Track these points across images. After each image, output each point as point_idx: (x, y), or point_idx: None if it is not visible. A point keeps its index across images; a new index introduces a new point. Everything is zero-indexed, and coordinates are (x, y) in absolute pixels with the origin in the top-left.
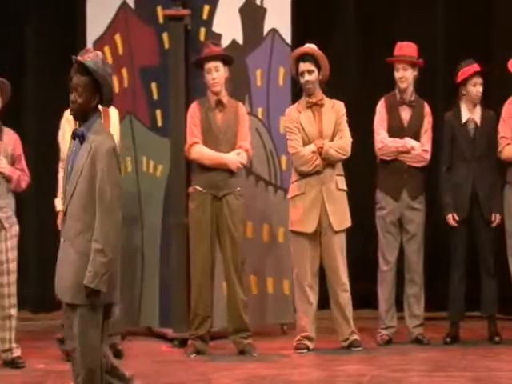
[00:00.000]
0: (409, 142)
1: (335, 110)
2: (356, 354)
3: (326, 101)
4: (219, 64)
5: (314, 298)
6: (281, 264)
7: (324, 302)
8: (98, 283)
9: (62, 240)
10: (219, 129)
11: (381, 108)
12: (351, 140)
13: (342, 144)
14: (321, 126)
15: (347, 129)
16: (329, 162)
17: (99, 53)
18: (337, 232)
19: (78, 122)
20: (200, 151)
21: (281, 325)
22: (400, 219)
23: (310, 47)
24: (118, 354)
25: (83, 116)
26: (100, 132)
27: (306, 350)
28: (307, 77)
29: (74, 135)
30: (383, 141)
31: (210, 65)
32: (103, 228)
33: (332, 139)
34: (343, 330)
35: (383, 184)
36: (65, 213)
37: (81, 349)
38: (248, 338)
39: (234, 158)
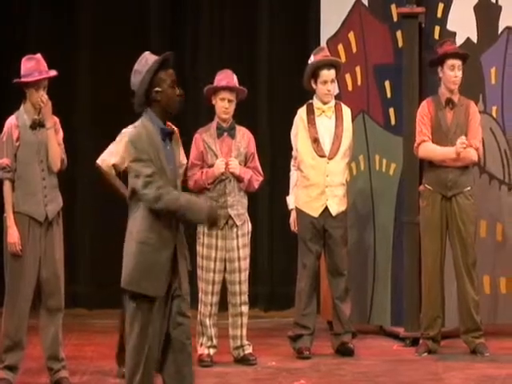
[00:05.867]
0: None
1: None
2: None
3: None
4: (461, 64)
5: None
6: None
7: None
8: None
9: (173, 243)
10: (449, 127)
11: None
12: None
13: None
14: None
15: None
16: None
17: None
18: None
19: (163, 122)
20: (430, 149)
21: None
22: None
23: None
24: (348, 352)
25: None
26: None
27: None
28: None
29: (165, 135)
30: None
31: (456, 62)
32: None
33: None
34: None
35: None
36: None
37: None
38: (480, 337)
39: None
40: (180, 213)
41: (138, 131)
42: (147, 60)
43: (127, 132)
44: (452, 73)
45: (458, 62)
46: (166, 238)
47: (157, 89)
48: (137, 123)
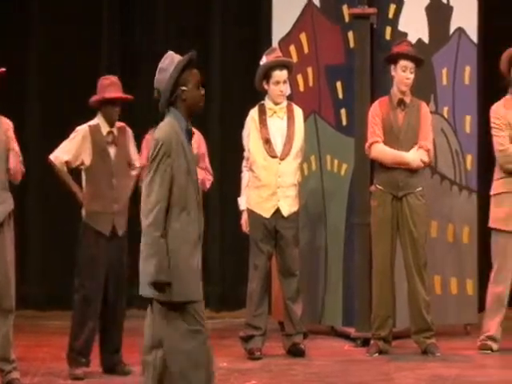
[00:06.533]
0: None
1: None
2: None
3: None
4: (414, 66)
5: (507, 297)
6: (465, 264)
7: None
8: None
9: (199, 243)
10: (400, 128)
11: None
12: None
13: None
14: None
15: None
16: None
17: None
18: None
19: (187, 122)
20: (381, 150)
21: (464, 325)
22: None
23: None
24: (299, 353)
25: None
26: None
27: (489, 351)
28: None
29: (189, 136)
30: None
31: (409, 64)
32: None
33: None
34: None
35: None
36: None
37: None
38: (431, 337)
39: (416, 156)
40: (145, 243)
41: (166, 130)
42: (173, 58)
43: (81, 129)
44: (403, 74)
45: (410, 64)
46: (196, 240)
47: (183, 88)
48: (164, 122)
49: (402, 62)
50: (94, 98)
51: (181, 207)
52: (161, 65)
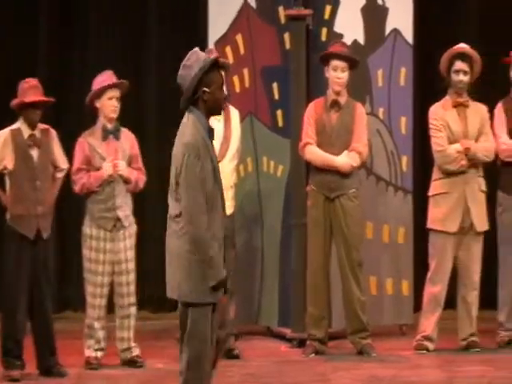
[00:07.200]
0: None
1: (479, 113)
2: (476, 355)
3: (470, 102)
4: (346, 65)
5: (444, 298)
6: (400, 265)
7: (449, 301)
8: None
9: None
10: (333, 129)
11: (499, 112)
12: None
13: (488, 147)
14: (465, 127)
15: (491, 132)
16: (473, 163)
17: None
18: (479, 233)
19: (207, 121)
20: (312, 152)
21: (399, 326)
22: None
23: (469, 48)
24: (232, 356)
25: None
26: None
27: (425, 351)
28: (462, 77)
29: (211, 135)
30: (506, 143)
31: (339, 63)
32: None
33: (476, 141)
34: (464, 328)
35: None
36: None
37: None
38: (367, 338)
39: (345, 161)
40: (199, 251)
41: (193, 133)
42: (198, 56)
43: (2, 134)
44: (334, 73)
45: (341, 64)
46: (221, 240)
47: (205, 89)
48: (187, 123)
49: (334, 62)
50: (14, 102)
51: (210, 209)
52: (185, 62)
